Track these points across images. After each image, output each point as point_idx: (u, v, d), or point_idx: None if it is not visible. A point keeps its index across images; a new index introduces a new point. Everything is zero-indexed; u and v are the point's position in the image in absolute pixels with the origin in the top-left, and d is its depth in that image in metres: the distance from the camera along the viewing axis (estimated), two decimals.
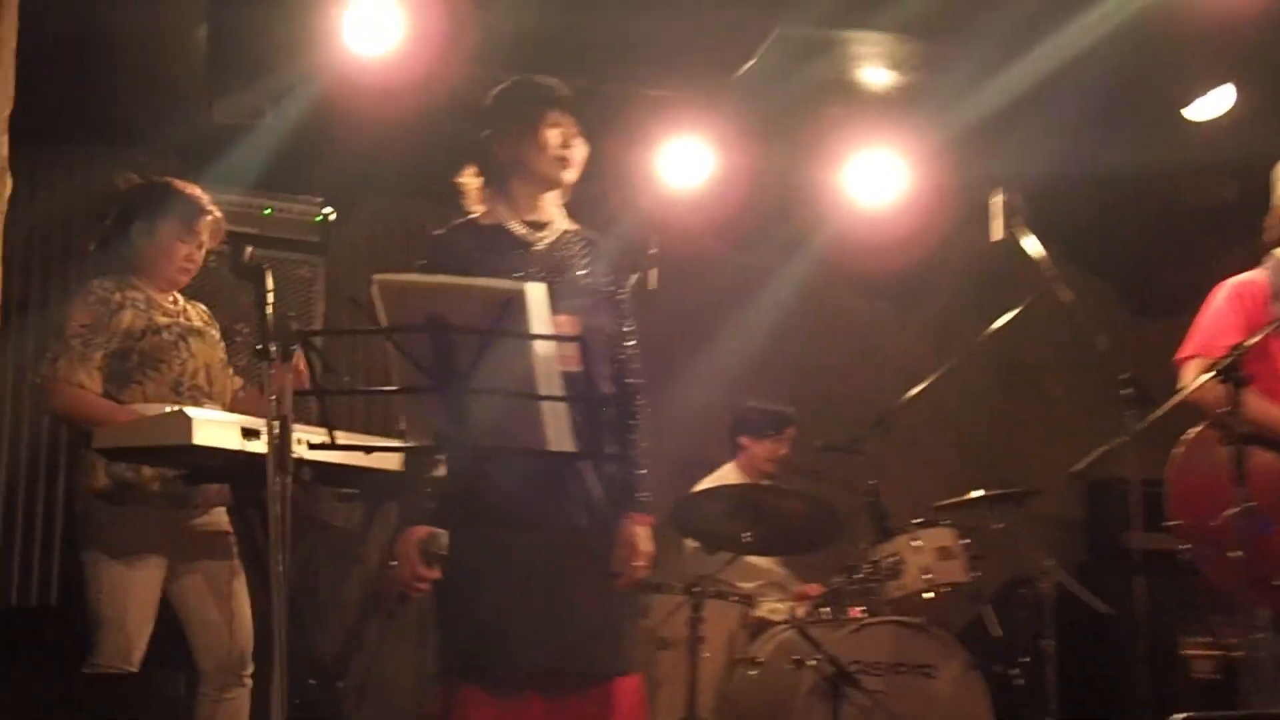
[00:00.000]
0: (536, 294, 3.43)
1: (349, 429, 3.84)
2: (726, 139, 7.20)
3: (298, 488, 3.63)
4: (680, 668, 5.45)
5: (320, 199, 6.07)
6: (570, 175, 4.10)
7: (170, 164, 6.51)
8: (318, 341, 3.93)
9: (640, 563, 3.98)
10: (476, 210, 4.13)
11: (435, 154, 7.41)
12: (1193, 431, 4.29)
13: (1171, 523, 4.19)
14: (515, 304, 3.40)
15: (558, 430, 3.52)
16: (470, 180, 4.16)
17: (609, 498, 3.97)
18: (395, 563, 3.81)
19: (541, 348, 3.45)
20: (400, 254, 7.15)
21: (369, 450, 3.99)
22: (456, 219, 4.14)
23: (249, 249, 3.84)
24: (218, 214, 4.68)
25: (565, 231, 4.12)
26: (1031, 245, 5.91)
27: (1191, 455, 4.23)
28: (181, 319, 4.63)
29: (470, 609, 3.83)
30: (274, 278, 3.77)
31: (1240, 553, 3.93)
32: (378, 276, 3.46)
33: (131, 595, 4.41)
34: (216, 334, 4.70)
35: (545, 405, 3.46)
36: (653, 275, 4.70)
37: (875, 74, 6.85)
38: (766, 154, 7.37)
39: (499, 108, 4.12)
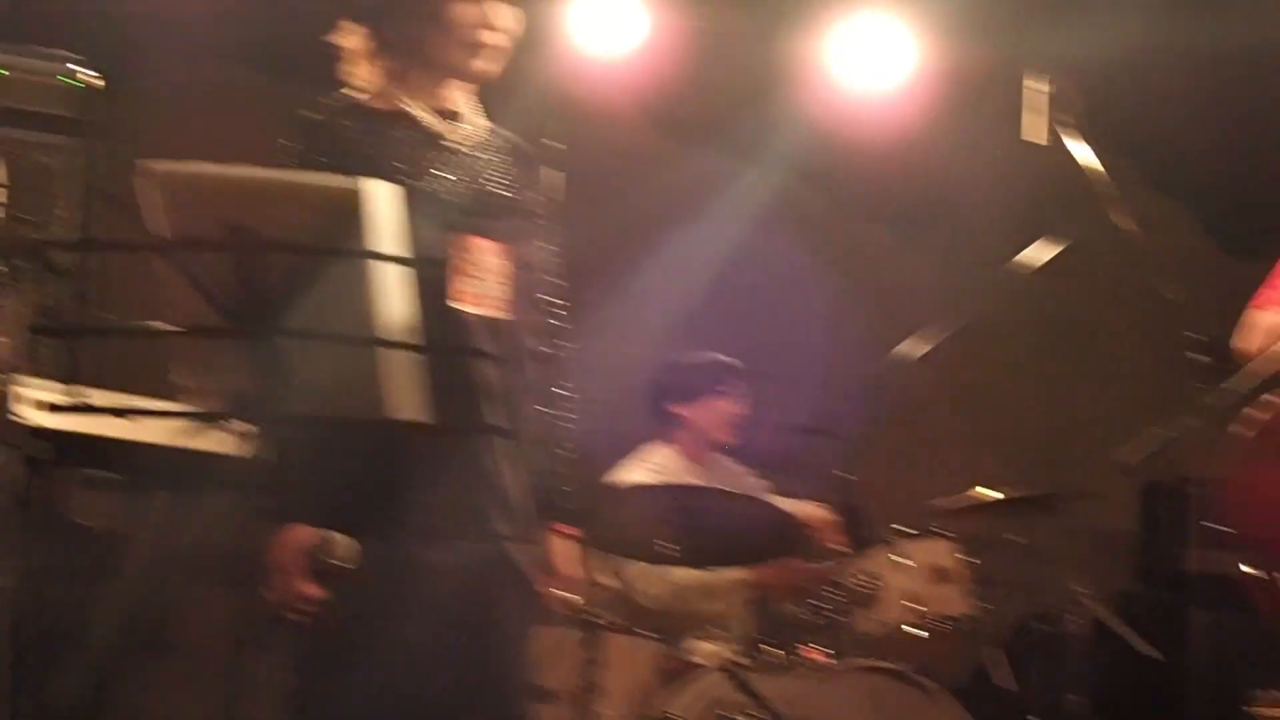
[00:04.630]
0: (380, 196, 3.43)
1: (105, 386, 3.81)
2: None
3: (27, 468, 3.60)
4: None
5: (80, 57, 6.00)
6: (489, 66, 4.14)
7: None
8: (64, 259, 3.91)
9: (567, 590, 4.17)
10: (360, 88, 4.16)
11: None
12: (1265, 404, 4.34)
13: (1224, 528, 4.27)
14: (349, 210, 3.39)
15: (403, 393, 3.53)
16: (354, 42, 4.17)
17: (529, 501, 4.10)
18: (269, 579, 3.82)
19: (385, 276, 3.44)
20: (204, 144, 7.09)
21: (132, 416, 3.97)
22: (330, 98, 4.15)
23: None
24: None
25: (485, 128, 4.21)
26: (1083, 154, 5.97)
27: (1259, 441, 4.27)
28: None
29: (365, 652, 3.88)
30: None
31: None
32: (152, 164, 3.41)
33: None
34: None
35: (386, 359, 3.47)
36: (554, 177, 4.71)
37: None
38: (719, 14, 7.38)
39: None
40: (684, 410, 6.83)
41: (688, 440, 6.83)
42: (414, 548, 3.92)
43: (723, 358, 6.88)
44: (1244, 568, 4.19)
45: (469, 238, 4.03)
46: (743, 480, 6.82)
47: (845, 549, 6.19)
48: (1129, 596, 8.02)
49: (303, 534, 3.80)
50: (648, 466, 6.70)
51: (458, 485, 3.97)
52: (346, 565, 3.73)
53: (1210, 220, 9.08)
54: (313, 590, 3.79)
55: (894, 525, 6.18)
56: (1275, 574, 4.14)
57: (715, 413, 6.81)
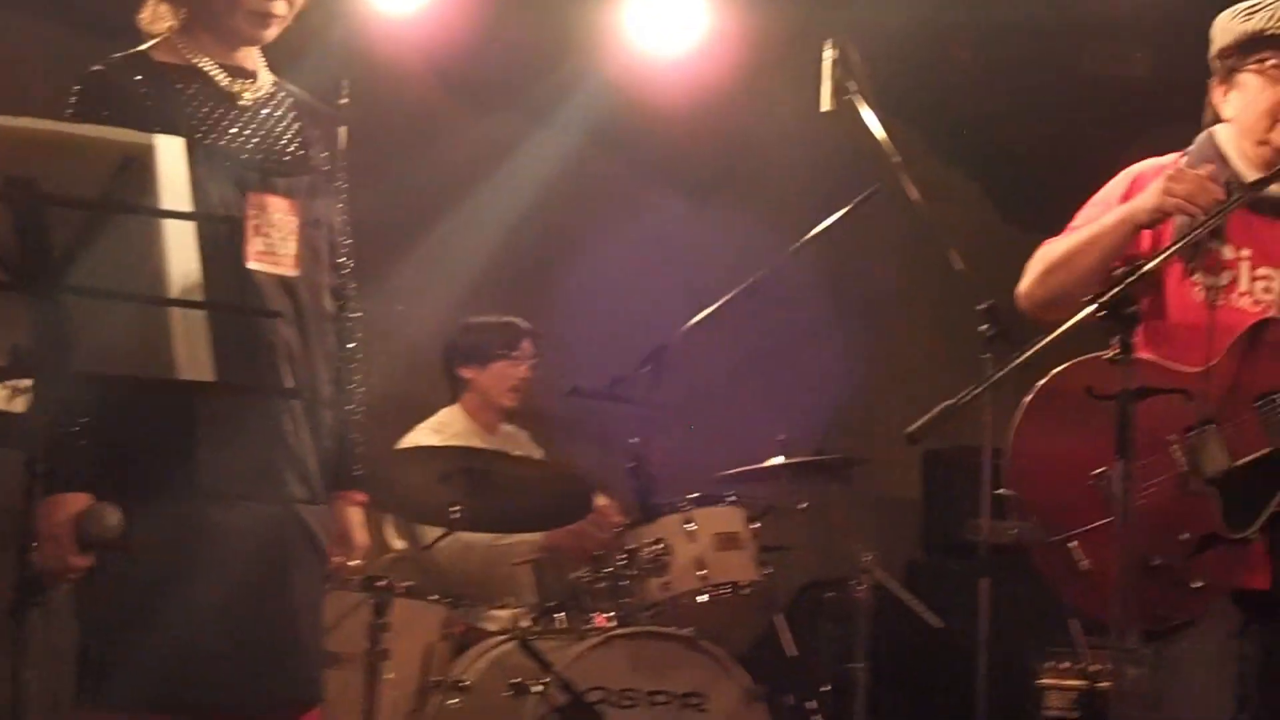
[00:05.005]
0: (170, 152, 3.40)
1: None
2: None
3: None
4: (353, 693, 5.45)
5: None
6: (270, 34, 4.14)
7: None
8: None
9: (353, 558, 4.24)
10: (156, 33, 4.14)
11: None
12: (1051, 375, 4.42)
13: (1008, 495, 4.34)
14: (139, 165, 3.35)
15: (192, 352, 3.50)
16: None
17: (321, 463, 4.12)
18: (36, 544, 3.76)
19: (175, 233, 3.41)
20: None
21: None
22: (124, 52, 4.11)
23: None
24: None
25: (275, 85, 4.22)
26: (871, 122, 6.03)
27: (1043, 408, 4.35)
28: None
29: (156, 614, 3.85)
30: None
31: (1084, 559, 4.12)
32: None
33: None
34: None
35: (175, 317, 3.44)
36: (341, 135, 4.70)
37: None
38: None
39: None
40: (472, 373, 6.85)
41: (475, 403, 6.85)
42: (206, 508, 3.89)
43: (514, 320, 6.90)
44: (1028, 535, 4.26)
45: (261, 195, 4.01)
46: (527, 446, 6.85)
47: (622, 528, 6.21)
48: (915, 564, 8.16)
49: (70, 503, 3.75)
50: (432, 428, 6.71)
51: (251, 446, 3.96)
52: (112, 536, 3.69)
53: (995, 190, 9.24)
54: (80, 561, 3.74)
55: (684, 492, 6.22)
56: (1062, 541, 4.21)
57: (502, 376, 6.83)
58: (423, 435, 6.67)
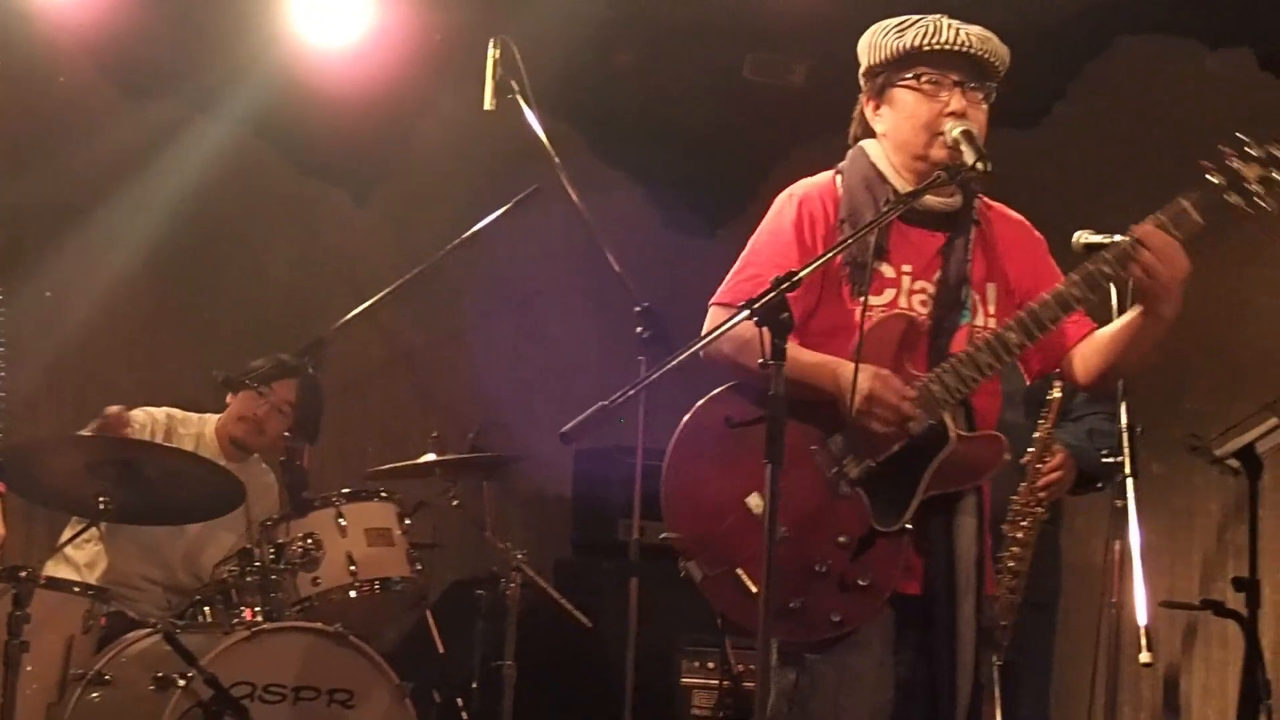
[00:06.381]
0: None
1: None
2: None
3: None
4: None
5: None
6: None
7: None
8: None
9: None
10: None
11: None
12: (693, 412, 4.44)
13: (670, 537, 4.34)
14: None
15: None
16: None
17: None
18: None
19: None
20: None
21: None
22: None
23: None
24: None
25: None
26: (533, 122, 6.04)
27: (696, 428, 4.37)
28: None
29: None
30: None
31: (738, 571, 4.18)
32: None
33: None
34: None
35: None
36: None
37: None
38: None
39: None
40: (229, 397, 6.74)
41: (223, 426, 6.73)
42: None
43: (290, 362, 6.77)
44: (689, 568, 4.28)
45: None
46: (262, 477, 6.74)
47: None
48: (565, 563, 8.19)
49: None
50: (186, 433, 6.66)
51: None
52: None
53: (656, 194, 9.31)
54: None
55: (336, 487, 6.18)
56: (729, 570, 4.23)
57: (242, 405, 6.73)
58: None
